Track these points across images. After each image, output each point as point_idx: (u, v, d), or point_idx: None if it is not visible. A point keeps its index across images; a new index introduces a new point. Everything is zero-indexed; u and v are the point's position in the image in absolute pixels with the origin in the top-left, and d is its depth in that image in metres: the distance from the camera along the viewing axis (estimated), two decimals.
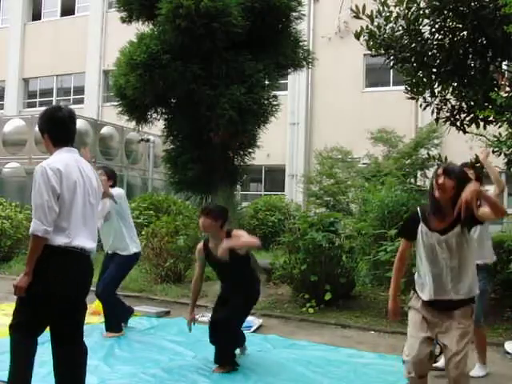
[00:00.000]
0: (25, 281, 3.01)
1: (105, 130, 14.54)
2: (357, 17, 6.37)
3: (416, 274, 3.27)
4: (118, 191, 5.54)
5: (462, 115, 6.60)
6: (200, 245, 4.65)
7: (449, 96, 6.63)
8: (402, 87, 6.94)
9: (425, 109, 6.96)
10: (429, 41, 6.18)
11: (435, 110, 6.75)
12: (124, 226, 5.53)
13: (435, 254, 3.09)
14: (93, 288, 5.68)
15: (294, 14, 8.63)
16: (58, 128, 3.26)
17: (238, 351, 4.65)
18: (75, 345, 3.23)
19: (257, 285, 4.71)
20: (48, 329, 3.22)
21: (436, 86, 6.46)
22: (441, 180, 3.06)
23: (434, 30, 6.15)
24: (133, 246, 5.57)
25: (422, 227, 3.13)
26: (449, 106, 6.69)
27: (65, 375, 3.21)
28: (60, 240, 3.06)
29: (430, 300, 3.12)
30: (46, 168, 3.05)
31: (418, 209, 3.26)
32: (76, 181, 3.14)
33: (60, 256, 3.07)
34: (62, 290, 3.08)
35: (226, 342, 4.44)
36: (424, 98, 6.65)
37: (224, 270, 4.53)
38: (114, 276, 5.52)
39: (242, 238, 4.30)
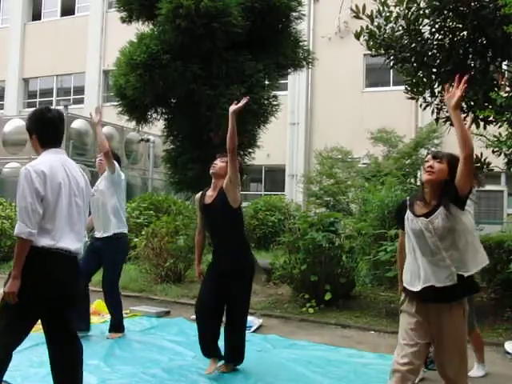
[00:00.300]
0: (15, 285, 2.99)
1: (105, 130, 14.51)
2: (357, 17, 6.36)
3: (405, 272, 3.13)
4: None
5: (462, 115, 6.60)
6: (198, 194, 4.61)
7: None
8: (402, 87, 6.94)
9: (425, 109, 6.96)
10: (429, 41, 6.17)
11: (435, 110, 6.75)
12: (118, 201, 5.41)
13: (425, 240, 2.97)
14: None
15: (294, 13, 8.63)
16: (46, 129, 3.26)
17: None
18: (68, 344, 3.23)
19: (250, 256, 4.60)
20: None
21: (436, 86, 6.46)
22: (429, 163, 2.99)
23: (434, 30, 6.15)
24: (120, 226, 5.44)
25: (407, 213, 3.07)
26: None
27: (61, 374, 3.22)
28: (44, 242, 3.06)
29: (425, 287, 2.96)
30: (29, 170, 3.06)
31: (408, 197, 3.21)
32: (61, 182, 3.14)
33: (45, 258, 3.07)
34: (48, 292, 3.08)
35: (242, 339, 4.42)
36: (424, 98, 6.65)
37: (216, 220, 4.34)
38: (112, 268, 5.45)
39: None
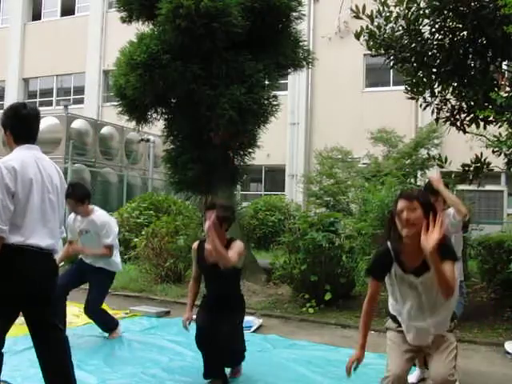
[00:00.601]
0: None
1: (105, 130, 14.54)
2: (357, 17, 6.37)
3: (390, 299, 3.10)
4: (102, 219, 5.21)
5: (462, 115, 6.61)
6: (195, 244, 4.37)
7: (449, 96, 6.64)
8: (402, 87, 6.95)
9: (425, 109, 6.97)
10: (429, 41, 6.18)
11: (435, 110, 6.76)
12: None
13: (411, 293, 2.93)
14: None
15: (294, 14, 8.63)
16: (20, 125, 3.24)
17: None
18: (52, 344, 3.20)
19: (242, 303, 4.39)
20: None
21: (436, 86, 6.47)
22: (404, 215, 2.79)
23: (434, 30, 6.16)
24: (113, 266, 5.36)
25: (395, 268, 2.91)
26: (449, 106, 6.70)
27: (51, 375, 3.21)
28: (14, 238, 3.03)
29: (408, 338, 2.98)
30: (0, 167, 3.03)
31: (389, 245, 2.95)
32: (32, 178, 3.11)
33: (14, 255, 3.04)
34: (18, 290, 3.06)
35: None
36: (424, 98, 6.66)
37: (211, 275, 4.20)
38: (99, 295, 5.33)
39: (230, 251, 3.99)
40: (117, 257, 5.41)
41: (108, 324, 5.45)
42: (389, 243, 2.95)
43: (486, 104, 5.69)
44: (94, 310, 5.31)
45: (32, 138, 3.29)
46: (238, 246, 4.09)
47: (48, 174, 3.24)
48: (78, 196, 5.08)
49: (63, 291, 5.03)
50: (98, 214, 5.26)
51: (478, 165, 6.70)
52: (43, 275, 3.18)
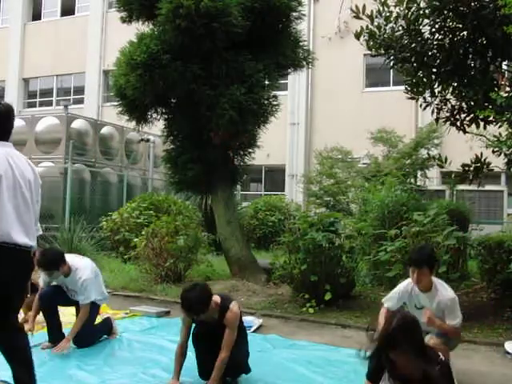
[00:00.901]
0: None
1: (105, 130, 14.53)
2: (357, 17, 6.38)
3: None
4: (82, 278, 5.01)
5: (462, 115, 6.62)
6: None
7: (449, 96, 6.65)
8: (402, 87, 6.95)
9: (425, 109, 6.97)
10: (429, 41, 6.19)
11: (435, 110, 6.77)
12: (100, 286, 5.27)
13: None
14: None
15: (294, 13, 8.63)
16: None
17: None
18: (18, 343, 3.18)
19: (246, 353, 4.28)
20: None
21: (436, 86, 6.48)
22: (396, 367, 2.85)
23: (434, 30, 6.17)
24: (102, 299, 5.34)
25: (387, 376, 2.99)
26: (449, 105, 6.70)
27: (16, 371, 3.19)
28: None
29: None
30: None
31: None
32: (1, 175, 3.10)
33: None
34: None
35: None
36: (424, 98, 6.67)
37: (214, 333, 4.02)
38: (88, 327, 5.14)
39: (226, 331, 3.91)
40: (101, 287, 5.33)
41: (102, 334, 5.40)
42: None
43: (486, 104, 5.70)
44: (86, 343, 5.17)
45: (5, 135, 3.30)
46: (232, 322, 3.97)
47: (21, 170, 3.23)
48: (53, 266, 4.89)
49: (55, 301, 5.08)
50: (78, 273, 5.05)
51: (478, 165, 6.71)
52: (18, 274, 3.15)
